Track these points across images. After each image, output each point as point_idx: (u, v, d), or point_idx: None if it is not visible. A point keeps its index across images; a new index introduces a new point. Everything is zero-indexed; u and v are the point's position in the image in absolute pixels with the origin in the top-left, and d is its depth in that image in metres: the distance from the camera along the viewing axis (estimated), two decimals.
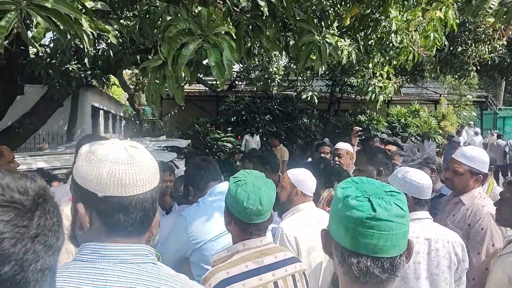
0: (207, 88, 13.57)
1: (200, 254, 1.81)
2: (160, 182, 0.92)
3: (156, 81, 2.14)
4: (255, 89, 13.76)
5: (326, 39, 2.87)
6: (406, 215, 0.85)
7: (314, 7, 3.60)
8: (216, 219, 1.83)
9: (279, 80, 5.37)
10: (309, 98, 5.54)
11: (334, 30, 5.10)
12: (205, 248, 1.79)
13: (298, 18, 2.94)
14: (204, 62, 2.11)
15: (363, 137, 4.21)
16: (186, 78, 2.21)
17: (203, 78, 14.59)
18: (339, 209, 0.87)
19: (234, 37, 2.28)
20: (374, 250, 0.82)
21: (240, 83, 14.17)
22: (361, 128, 4.37)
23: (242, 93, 13.68)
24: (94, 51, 5.96)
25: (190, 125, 11.31)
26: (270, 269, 1.39)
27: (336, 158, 3.64)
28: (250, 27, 2.54)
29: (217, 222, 1.80)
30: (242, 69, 12.06)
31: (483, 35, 6.30)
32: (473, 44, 6.57)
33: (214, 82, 15.01)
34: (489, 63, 7.29)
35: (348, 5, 3.85)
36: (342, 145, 3.80)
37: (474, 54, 6.64)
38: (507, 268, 1.78)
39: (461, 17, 6.42)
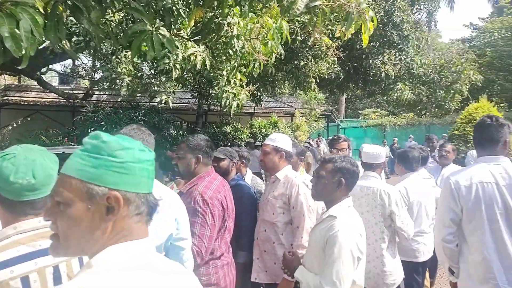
0: (60, 97, 12.15)
1: None
2: None
3: None
4: (119, 99, 12.95)
5: (160, 31, 2.83)
6: None
7: (154, 3, 3.55)
8: None
9: (128, 82, 5.10)
10: (163, 102, 5.41)
11: (187, 34, 5.14)
12: None
13: (131, 6, 2.84)
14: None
15: None
16: None
17: (57, 86, 13.03)
18: None
19: (42, 11, 2.05)
20: None
21: (101, 93, 13.15)
22: None
23: (103, 102, 12.68)
24: None
25: (36, 137, 9.87)
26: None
27: None
28: (69, 8, 2.31)
29: None
30: (102, 77, 11.19)
31: (320, 52, 7.26)
32: (313, 60, 7.51)
33: (71, 91, 13.60)
34: (327, 78, 8.43)
35: (190, 7, 3.93)
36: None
37: (314, 68, 7.58)
38: (318, 236, 1.97)
39: (302, 34, 7.30)
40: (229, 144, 11.66)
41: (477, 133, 2.14)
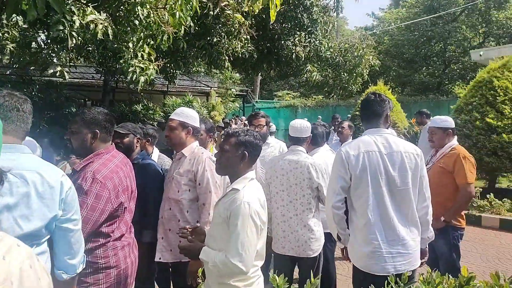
0: None
1: None
2: None
3: None
4: (7, 72, 11.30)
5: None
6: None
7: None
8: None
9: (12, 49, 4.35)
10: (58, 75, 4.80)
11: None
12: None
13: None
14: None
15: None
16: None
17: None
18: None
19: None
20: None
21: None
22: None
23: None
24: None
25: None
26: None
27: None
28: None
29: None
30: None
31: (232, 29, 7.15)
32: (226, 37, 7.38)
33: None
34: (241, 56, 8.38)
35: None
36: None
37: (227, 46, 7.46)
38: (221, 209, 1.93)
39: (214, 9, 7.09)
40: (140, 124, 11.03)
41: (363, 108, 2.32)
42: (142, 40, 5.33)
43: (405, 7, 23.01)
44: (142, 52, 5.81)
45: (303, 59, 9.11)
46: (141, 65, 5.79)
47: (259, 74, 15.83)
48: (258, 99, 20.70)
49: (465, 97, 7.51)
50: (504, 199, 6.31)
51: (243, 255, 1.70)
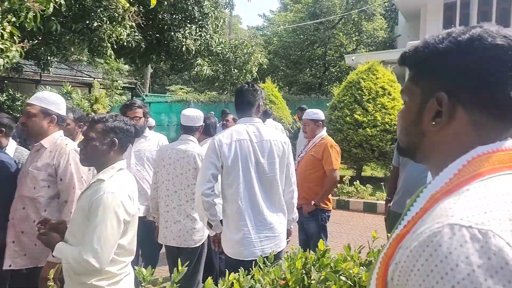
0: None
1: None
2: None
3: None
4: None
5: None
6: None
7: None
8: None
9: None
10: None
11: None
12: None
13: None
14: None
15: None
16: None
17: None
18: None
19: None
20: None
21: None
22: None
23: None
24: None
25: None
26: None
27: None
28: None
29: None
30: None
31: (116, 14, 6.64)
32: (109, 22, 6.82)
33: None
34: (127, 45, 7.86)
35: None
36: None
37: (110, 32, 6.91)
38: (83, 202, 1.76)
39: None
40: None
41: (237, 98, 2.39)
42: (0, 16, 4.57)
43: (293, 11, 24.64)
44: (1, 31, 4.99)
45: (193, 52, 9.00)
46: (1, 46, 4.97)
47: (149, 66, 15.13)
48: (149, 92, 19.81)
49: (338, 96, 8.40)
50: (368, 185, 7.27)
51: (97, 250, 1.57)
